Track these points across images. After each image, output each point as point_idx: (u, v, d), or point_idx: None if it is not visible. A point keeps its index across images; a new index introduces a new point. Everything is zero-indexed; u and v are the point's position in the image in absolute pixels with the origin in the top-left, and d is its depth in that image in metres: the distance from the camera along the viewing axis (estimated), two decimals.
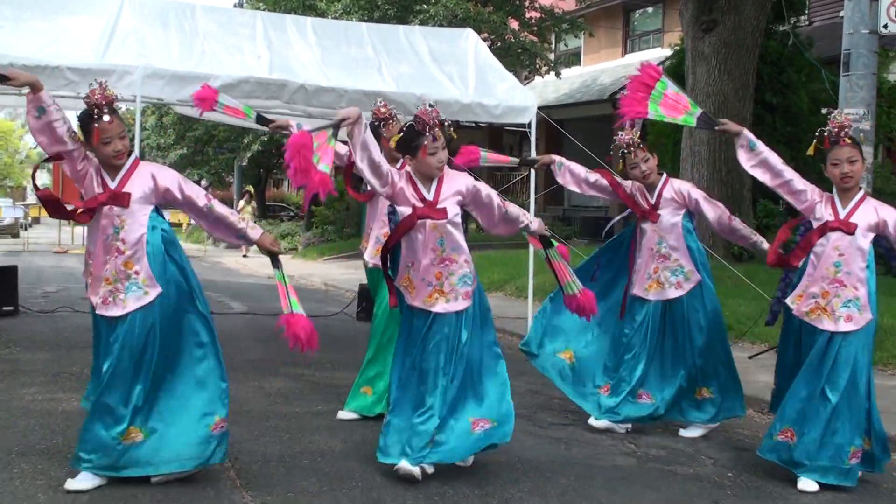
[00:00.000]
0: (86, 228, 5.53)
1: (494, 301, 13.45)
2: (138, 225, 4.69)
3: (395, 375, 5.10)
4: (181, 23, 9.44)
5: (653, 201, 6.35)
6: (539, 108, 9.76)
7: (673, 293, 6.21)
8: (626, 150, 6.33)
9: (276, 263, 4.97)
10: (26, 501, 4.38)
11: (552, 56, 25.60)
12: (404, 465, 4.82)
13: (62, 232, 29.96)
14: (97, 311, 4.75)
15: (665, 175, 6.46)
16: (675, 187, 6.36)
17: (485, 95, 9.69)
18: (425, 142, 4.95)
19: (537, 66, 23.94)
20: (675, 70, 18.17)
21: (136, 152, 9.02)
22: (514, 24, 22.81)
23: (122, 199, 4.64)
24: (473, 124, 20.33)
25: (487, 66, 10.47)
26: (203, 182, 46.20)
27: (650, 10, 27.36)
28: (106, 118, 4.58)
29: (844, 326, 5.07)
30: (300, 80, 9.03)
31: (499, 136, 29.14)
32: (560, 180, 6.59)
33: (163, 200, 4.81)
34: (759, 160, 5.37)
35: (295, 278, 18.93)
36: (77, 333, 9.74)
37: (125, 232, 4.65)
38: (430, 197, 5.03)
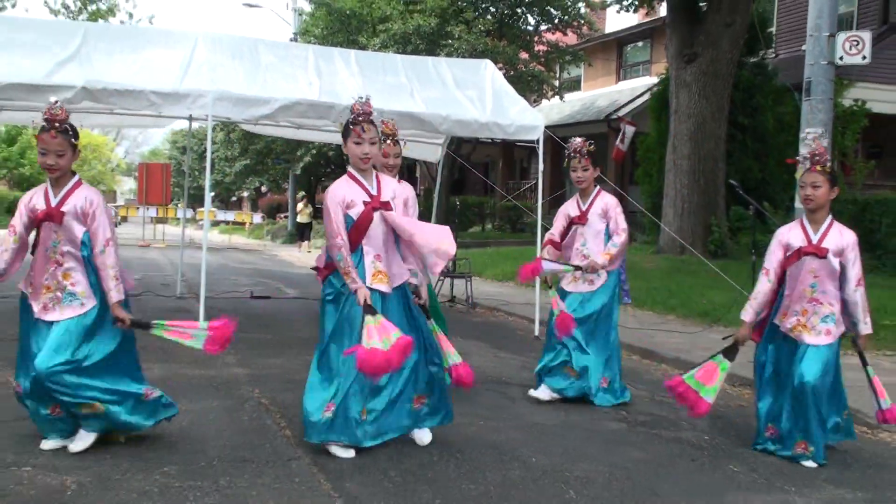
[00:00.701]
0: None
1: (507, 289, 13.47)
2: (75, 240, 4.42)
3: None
4: (246, 54, 9.48)
5: (584, 208, 6.22)
6: (546, 127, 9.72)
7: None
8: (573, 154, 6.12)
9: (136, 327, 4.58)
10: (114, 456, 4.39)
11: (556, 82, 25.52)
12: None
13: (146, 229, 30.12)
14: (37, 315, 4.39)
15: (599, 188, 6.33)
16: (605, 200, 6.23)
17: (500, 116, 9.67)
18: (354, 129, 4.62)
19: (544, 91, 23.94)
20: (661, 95, 18.09)
21: (208, 164, 9.13)
22: (525, 56, 22.83)
23: (56, 217, 4.39)
24: (490, 140, 20.33)
25: (502, 92, 10.44)
26: (263, 188, 46.41)
27: (640, 44, 27.29)
28: (48, 132, 4.33)
29: (824, 340, 4.83)
30: (345, 102, 9.02)
31: (511, 150, 29.03)
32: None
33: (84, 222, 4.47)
34: None
35: None
36: (157, 313, 9.69)
37: (62, 245, 4.41)
38: (374, 192, 4.70)
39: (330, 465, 4.36)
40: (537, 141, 9.59)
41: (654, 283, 12.43)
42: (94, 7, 25.52)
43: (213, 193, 11.11)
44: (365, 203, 4.64)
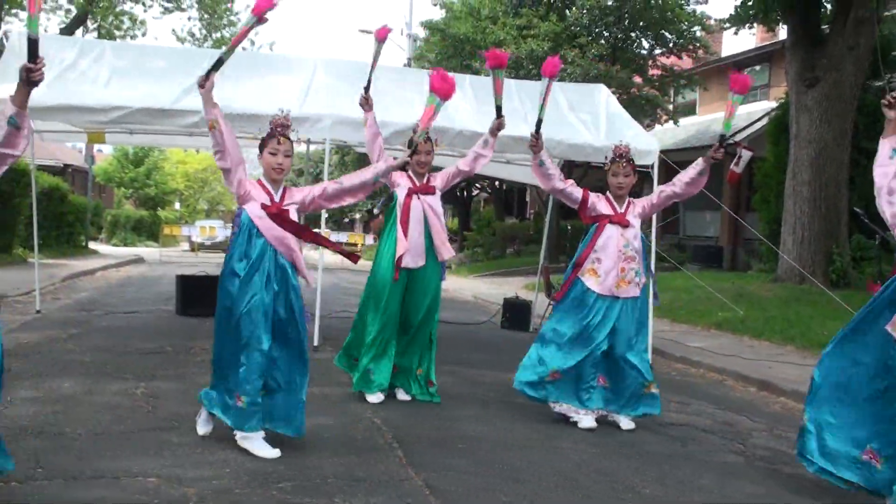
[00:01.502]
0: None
1: None
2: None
3: None
4: (363, 80, 9.65)
5: (621, 211, 6.06)
6: (660, 152, 9.59)
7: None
8: (616, 158, 6.06)
9: None
10: (234, 469, 4.50)
11: (671, 107, 25.16)
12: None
13: None
14: None
15: (629, 199, 6.20)
16: (638, 203, 6.16)
17: (614, 140, 9.54)
18: (271, 141, 4.94)
19: (658, 115, 23.63)
20: (780, 119, 17.60)
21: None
22: (639, 80, 22.61)
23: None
24: (602, 164, 20.12)
25: (617, 116, 10.36)
26: (375, 210, 47.17)
27: (757, 67, 26.59)
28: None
29: None
30: (458, 126, 9.12)
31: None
32: (534, 171, 6.35)
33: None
34: None
35: (448, 291, 19.05)
36: None
37: None
38: (276, 199, 4.97)
39: (442, 487, 4.36)
40: (651, 166, 9.45)
41: (771, 312, 12.06)
42: (218, 35, 26.52)
43: (326, 215, 11.39)
44: (264, 206, 4.90)
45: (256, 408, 4.79)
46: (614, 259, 5.93)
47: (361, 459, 4.80)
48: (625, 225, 5.99)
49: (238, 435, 4.83)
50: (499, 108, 6.45)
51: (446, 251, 6.56)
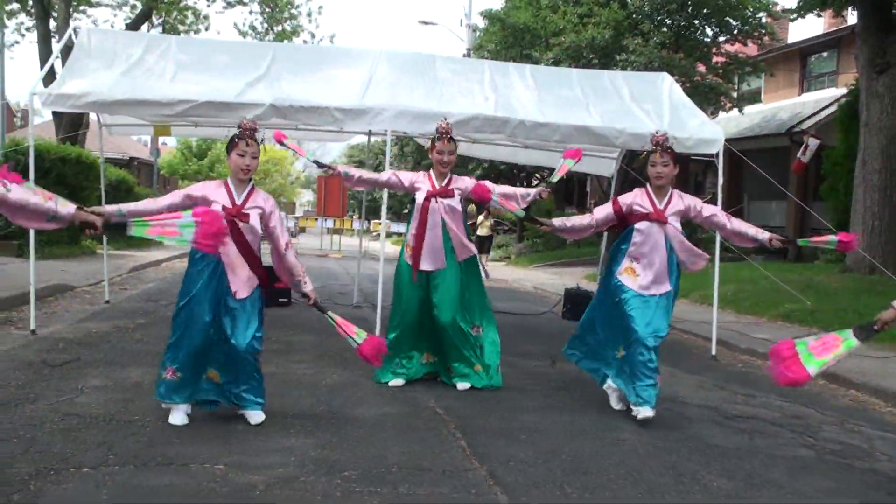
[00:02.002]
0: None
1: (681, 307, 13.10)
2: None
3: None
4: (424, 71, 9.67)
5: (661, 206, 5.88)
6: (724, 141, 9.42)
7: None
8: (654, 147, 5.83)
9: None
10: (299, 458, 4.55)
11: (735, 94, 24.69)
12: None
13: (323, 240, 31.24)
14: None
15: (672, 190, 6.05)
16: (686, 201, 6.02)
17: (678, 129, 9.43)
18: (238, 143, 5.06)
19: (722, 103, 23.21)
20: (850, 107, 17.19)
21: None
22: (702, 68, 22.22)
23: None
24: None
25: (680, 104, 10.20)
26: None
27: (825, 54, 25.95)
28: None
29: None
30: (520, 116, 9.06)
31: (685, 165, 28.25)
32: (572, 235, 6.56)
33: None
34: None
35: (508, 282, 19.02)
36: None
37: None
38: (238, 201, 5.08)
39: (506, 477, 4.35)
40: (716, 155, 9.30)
41: (840, 303, 11.78)
42: (279, 28, 26.76)
43: (387, 206, 11.53)
44: (224, 208, 4.98)
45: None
46: (654, 257, 5.85)
47: (425, 449, 4.81)
48: (663, 222, 5.86)
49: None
50: (550, 183, 6.82)
51: (464, 252, 6.55)
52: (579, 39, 20.22)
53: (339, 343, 8.42)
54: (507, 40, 23.22)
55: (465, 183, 6.53)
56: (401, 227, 38.16)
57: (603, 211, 6.15)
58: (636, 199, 5.96)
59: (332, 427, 5.17)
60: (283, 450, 4.64)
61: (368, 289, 13.70)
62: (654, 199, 5.91)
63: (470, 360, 6.55)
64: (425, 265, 6.47)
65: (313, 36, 26.75)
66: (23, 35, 25.79)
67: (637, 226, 5.88)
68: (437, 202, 6.42)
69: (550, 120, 9.14)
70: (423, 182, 6.49)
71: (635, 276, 5.86)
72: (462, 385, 6.50)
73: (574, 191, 36.65)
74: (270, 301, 11.30)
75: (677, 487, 4.39)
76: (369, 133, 11.25)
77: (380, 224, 35.77)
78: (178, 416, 5.06)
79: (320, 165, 6.60)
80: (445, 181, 6.49)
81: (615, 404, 6.12)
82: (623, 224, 6.01)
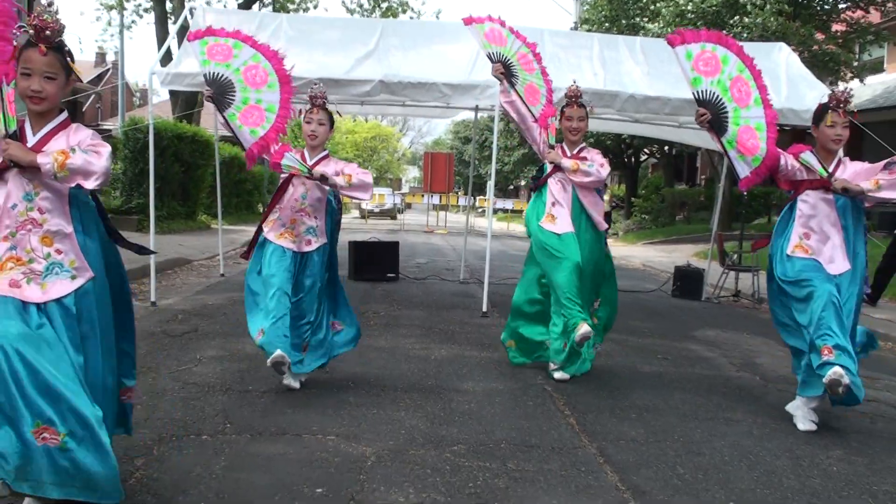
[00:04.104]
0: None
1: None
2: (59, 195, 3.20)
3: None
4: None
5: (830, 169, 5.10)
6: None
7: None
8: (834, 106, 5.09)
9: None
10: (409, 431, 4.60)
11: (856, 64, 23.63)
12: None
13: (430, 215, 31.44)
14: None
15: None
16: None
17: (795, 102, 9.12)
18: (305, 112, 5.34)
19: (842, 73, 22.24)
20: None
21: (494, 154, 9.25)
22: (821, 36, 21.31)
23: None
24: (780, 127, 19.17)
25: (798, 76, 9.84)
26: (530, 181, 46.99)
27: None
28: (35, 48, 3.11)
29: None
30: (630, 90, 8.91)
31: (802, 137, 27.26)
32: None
33: None
34: None
35: (617, 258, 18.76)
36: (443, 297, 10.18)
37: (42, 200, 3.18)
38: (310, 162, 5.25)
39: (617, 456, 4.30)
40: None
41: None
42: (385, 5, 26.94)
43: (493, 181, 11.56)
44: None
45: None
46: (825, 229, 5.13)
47: (534, 425, 4.79)
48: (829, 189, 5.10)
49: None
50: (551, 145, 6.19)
51: (600, 223, 6.14)
52: (686, 4, 19.57)
53: (447, 317, 8.51)
54: (616, 10, 22.79)
55: (592, 157, 6.05)
56: (507, 204, 38.18)
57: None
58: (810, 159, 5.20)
59: (440, 401, 5.20)
60: (392, 422, 4.69)
61: (475, 265, 13.75)
62: (823, 164, 5.17)
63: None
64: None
65: (419, 14, 26.82)
66: (140, 16, 26.70)
67: (801, 192, 5.20)
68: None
69: (661, 93, 8.97)
70: (554, 149, 6.10)
71: (806, 254, 5.11)
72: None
73: (684, 166, 35.86)
74: (378, 275, 11.46)
75: (795, 471, 4.26)
76: (476, 108, 11.22)
77: (486, 200, 35.80)
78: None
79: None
80: (576, 150, 6.09)
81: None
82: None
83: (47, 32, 3.11)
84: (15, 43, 3.12)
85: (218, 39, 5.23)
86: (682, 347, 7.65)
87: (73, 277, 3.17)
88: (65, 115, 3.29)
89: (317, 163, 5.28)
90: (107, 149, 3.22)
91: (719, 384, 6.14)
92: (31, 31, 3.10)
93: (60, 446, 2.98)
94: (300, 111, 5.47)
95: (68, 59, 3.23)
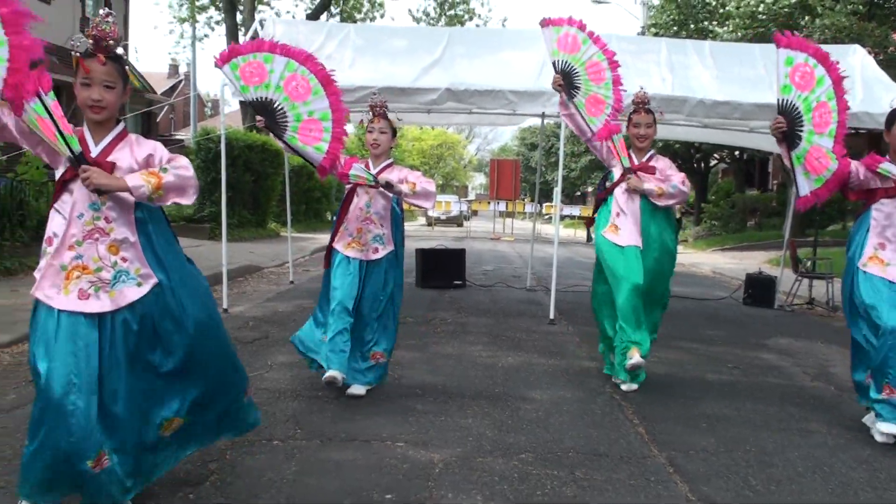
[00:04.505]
0: None
1: None
2: (125, 204, 3.24)
3: None
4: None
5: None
6: None
7: None
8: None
9: None
10: (476, 438, 4.61)
11: None
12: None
13: (496, 222, 31.42)
14: (65, 308, 3.14)
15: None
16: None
17: (871, 105, 8.92)
18: (365, 121, 5.46)
19: None
20: None
21: (560, 160, 9.22)
22: None
23: (103, 170, 3.16)
24: (855, 131, 18.76)
25: (874, 79, 9.62)
26: (607, 183, 46.67)
27: None
28: (94, 57, 3.17)
29: None
30: (699, 95, 8.82)
31: (877, 142, 26.59)
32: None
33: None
34: None
35: (685, 265, 18.51)
36: (510, 304, 10.17)
37: (109, 210, 3.22)
38: (374, 171, 5.31)
39: (687, 466, 4.25)
40: None
41: None
42: (451, 12, 27.08)
43: (560, 187, 11.55)
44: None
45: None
46: None
47: (602, 434, 4.77)
48: None
49: None
50: (628, 169, 5.91)
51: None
52: (756, 4, 19.22)
53: (514, 324, 8.51)
54: (684, 13, 22.54)
55: (663, 166, 5.93)
56: (574, 210, 37.96)
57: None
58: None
59: (508, 409, 5.21)
60: (460, 429, 4.71)
61: (542, 272, 13.71)
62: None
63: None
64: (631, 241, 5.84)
65: (485, 22, 26.91)
66: (212, 28, 27.34)
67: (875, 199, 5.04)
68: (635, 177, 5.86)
69: (731, 98, 8.85)
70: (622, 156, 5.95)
71: (883, 266, 4.96)
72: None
73: (755, 171, 35.22)
74: (444, 283, 11.51)
75: (872, 483, 4.16)
76: (543, 115, 11.20)
77: (552, 207, 35.65)
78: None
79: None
80: (646, 158, 5.98)
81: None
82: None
83: (107, 43, 3.17)
84: (74, 54, 3.18)
85: (247, 58, 4.81)
86: (754, 356, 7.52)
87: (139, 284, 3.25)
88: (122, 125, 3.35)
89: (381, 171, 5.35)
90: (186, 160, 3.32)
91: (792, 394, 6.03)
92: (90, 42, 3.16)
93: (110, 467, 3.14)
94: (361, 121, 5.56)
95: (126, 67, 3.31)
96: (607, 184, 6.13)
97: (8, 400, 5.03)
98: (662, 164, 5.99)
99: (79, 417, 3.04)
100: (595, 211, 6.29)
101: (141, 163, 3.26)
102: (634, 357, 5.57)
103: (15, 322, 6.94)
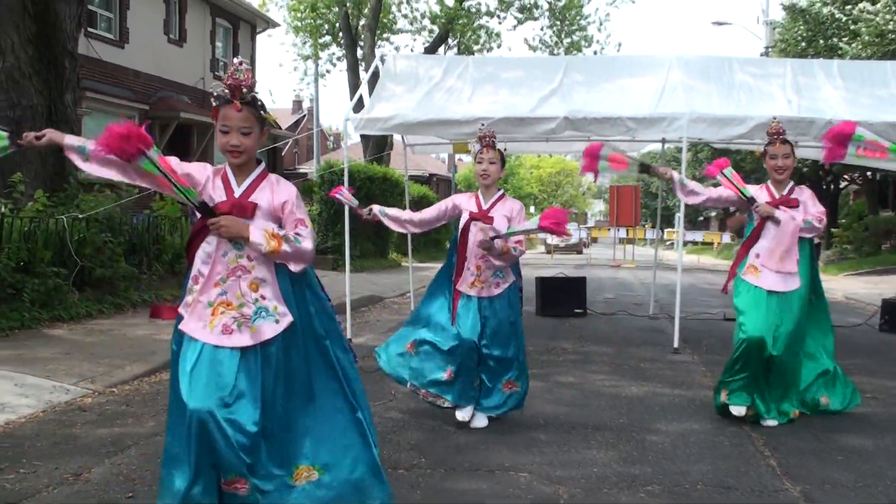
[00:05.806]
0: None
1: None
2: None
3: None
4: (720, 75, 9.40)
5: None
6: None
7: None
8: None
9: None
10: (601, 469, 4.57)
11: None
12: None
13: (616, 249, 31.05)
14: (210, 342, 3.27)
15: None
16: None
17: None
18: (475, 151, 5.46)
19: None
20: None
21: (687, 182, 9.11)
22: None
23: (245, 210, 3.32)
24: None
25: None
26: (731, 207, 45.61)
27: None
28: (231, 104, 3.28)
29: None
30: (827, 116, 8.55)
31: None
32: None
33: (277, 217, 3.40)
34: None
35: None
36: (632, 332, 10.04)
37: (251, 249, 3.31)
38: (485, 206, 5.40)
39: (823, 500, 4.10)
40: None
41: None
42: (568, 40, 27.08)
43: (682, 213, 11.30)
44: (470, 213, 5.40)
45: None
46: None
47: (731, 466, 4.65)
48: None
49: None
50: (750, 199, 5.70)
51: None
52: (884, 23, 18.51)
53: (637, 353, 8.39)
54: (810, 31, 21.89)
55: (809, 196, 5.74)
56: (696, 236, 37.19)
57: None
58: None
59: (633, 440, 5.14)
60: (585, 461, 4.68)
61: (664, 299, 13.47)
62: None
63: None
64: (770, 284, 5.62)
65: (602, 48, 26.79)
66: (333, 65, 28.14)
67: None
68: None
69: (862, 118, 8.54)
70: (760, 192, 5.74)
71: None
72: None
73: (889, 192, 33.72)
74: (565, 311, 11.45)
75: None
76: (663, 140, 11.09)
77: (675, 233, 35.02)
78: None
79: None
80: (786, 190, 5.71)
81: None
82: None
83: (242, 90, 3.28)
84: (214, 104, 3.33)
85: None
86: (893, 386, 7.19)
87: (277, 321, 3.36)
88: (262, 166, 3.48)
89: (492, 205, 5.38)
90: (310, 230, 3.46)
91: None
92: (227, 91, 3.29)
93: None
94: (470, 151, 5.65)
95: (262, 111, 3.42)
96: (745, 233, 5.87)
97: (147, 427, 5.28)
98: (805, 195, 5.73)
99: (220, 443, 3.16)
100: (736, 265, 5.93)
101: (276, 207, 3.39)
102: (735, 410, 5.59)
103: (154, 352, 7.27)
